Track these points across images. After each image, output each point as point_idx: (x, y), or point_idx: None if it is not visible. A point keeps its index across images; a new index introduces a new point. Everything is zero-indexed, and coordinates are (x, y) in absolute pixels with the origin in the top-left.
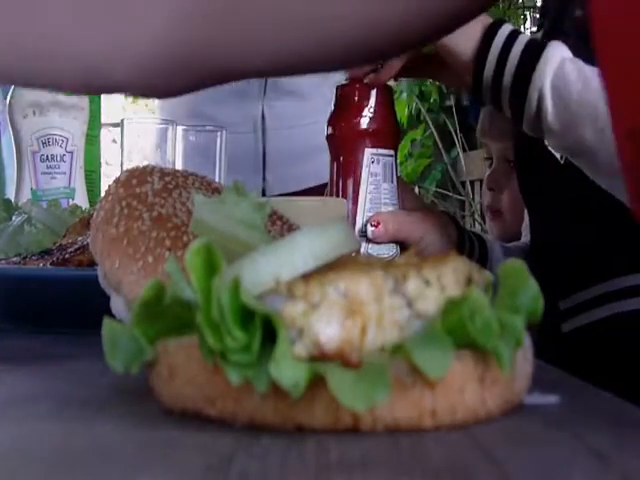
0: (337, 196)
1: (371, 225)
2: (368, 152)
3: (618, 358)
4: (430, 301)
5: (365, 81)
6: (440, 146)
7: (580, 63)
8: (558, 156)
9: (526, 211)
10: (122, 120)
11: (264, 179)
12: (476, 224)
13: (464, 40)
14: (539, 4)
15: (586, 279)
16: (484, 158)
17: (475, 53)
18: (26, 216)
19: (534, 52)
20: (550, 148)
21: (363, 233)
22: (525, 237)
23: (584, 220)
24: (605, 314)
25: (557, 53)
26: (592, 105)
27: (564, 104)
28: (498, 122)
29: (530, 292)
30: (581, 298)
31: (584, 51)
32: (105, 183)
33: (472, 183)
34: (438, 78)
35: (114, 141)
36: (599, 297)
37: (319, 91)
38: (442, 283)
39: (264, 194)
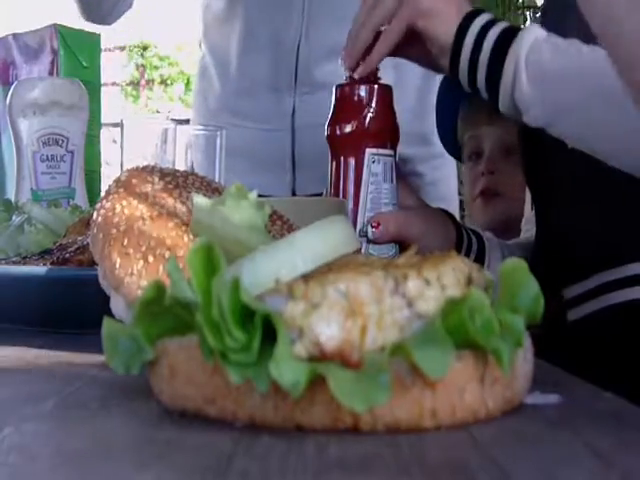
0: (337, 196)
1: (371, 226)
2: (369, 152)
3: (625, 347)
4: (430, 301)
5: (354, 76)
6: None
7: (555, 37)
8: None
9: (527, 206)
10: (122, 120)
11: (294, 178)
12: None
13: (444, 24)
14: (539, 4)
15: (593, 266)
16: (468, 156)
17: (454, 35)
18: (26, 216)
19: (510, 32)
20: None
21: (364, 233)
22: (527, 232)
23: (592, 205)
24: (612, 302)
25: (533, 32)
26: (570, 67)
27: (540, 73)
28: (485, 107)
29: (530, 292)
30: (588, 286)
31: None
32: (105, 183)
33: None
34: (417, 60)
35: (114, 141)
36: (606, 284)
37: None
38: (442, 283)
39: (294, 194)
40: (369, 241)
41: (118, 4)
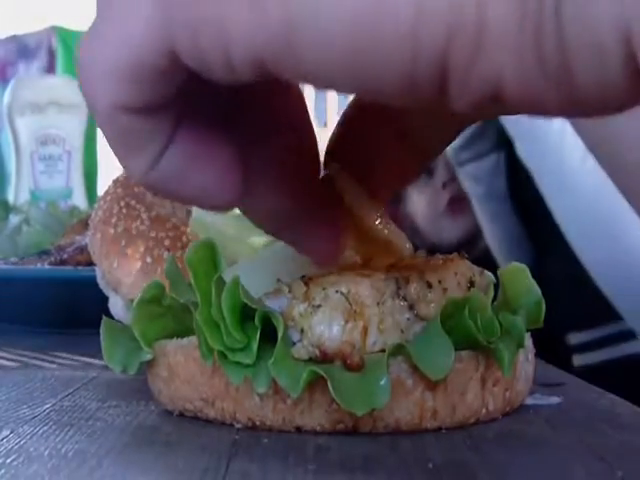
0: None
1: None
2: None
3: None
4: (432, 304)
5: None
6: None
7: None
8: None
9: None
10: None
11: None
12: None
13: None
14: None
15: (595, 318)
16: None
17: None
18: (24, 216)
19: None
20: None
21: None
22: None
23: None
24: (615, 355)
25: None
26: None
27: None
28: None
29: (532, 295)
30: (592, 335)
31: None
32: (103, 183)
33: None
34: None
35: None
36: (610, 337)
37: None
38: (444, 286)
39: None
40: None
41: None
